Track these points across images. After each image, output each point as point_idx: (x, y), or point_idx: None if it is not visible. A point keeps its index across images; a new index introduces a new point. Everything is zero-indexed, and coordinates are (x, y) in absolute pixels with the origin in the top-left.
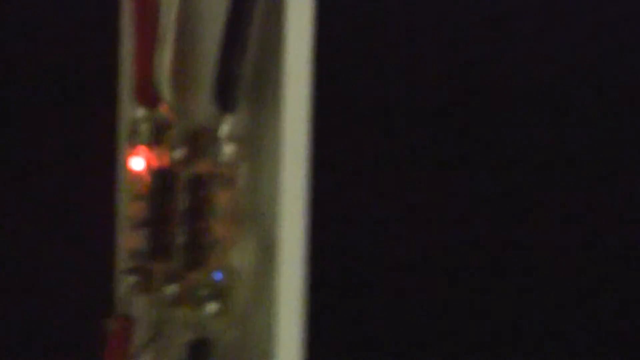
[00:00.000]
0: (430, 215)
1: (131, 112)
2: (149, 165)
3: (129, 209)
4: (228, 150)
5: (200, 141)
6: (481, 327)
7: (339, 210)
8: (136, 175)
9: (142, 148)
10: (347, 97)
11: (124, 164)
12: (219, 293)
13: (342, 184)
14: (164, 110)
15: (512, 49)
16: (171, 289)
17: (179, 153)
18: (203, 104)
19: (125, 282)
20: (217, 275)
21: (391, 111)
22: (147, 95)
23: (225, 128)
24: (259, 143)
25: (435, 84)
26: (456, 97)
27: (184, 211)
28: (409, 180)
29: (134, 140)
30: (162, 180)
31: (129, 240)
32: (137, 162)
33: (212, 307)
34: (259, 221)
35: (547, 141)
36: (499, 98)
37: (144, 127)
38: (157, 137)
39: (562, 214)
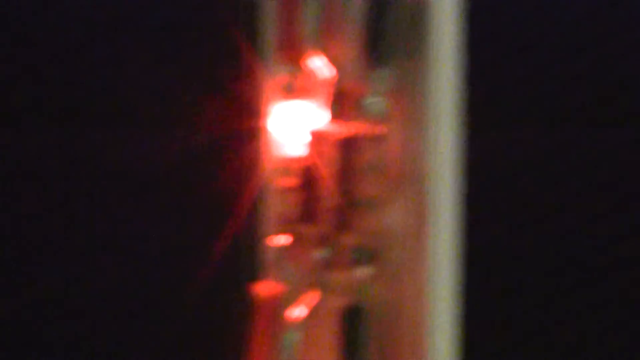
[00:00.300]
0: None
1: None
2: (299, 124)
3: (279, 171)
4: (380, 104)
5: (351, 97)
6: None
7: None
8: (285, 135)
9: (292, 104)
10: (500, 55)
11: (274, 123)
12: (371, 257)
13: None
14: (312, 67)
15: None
16: (322, 253)
17: (332, 109)
18: (355, 58)
19: (274, 247)
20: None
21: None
22: (292, 52)
23: (377, 82)
24: (410, 98)
25: None
26: None
27: (337, 173)
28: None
29: (283, 96)
30: (314, 139)
31: (279, 204)
32: (287, 120)
33: (364, 271)
34: (411, 180)
35: None
36: None
37: (293, 84)
38: (307, 94)
39: None
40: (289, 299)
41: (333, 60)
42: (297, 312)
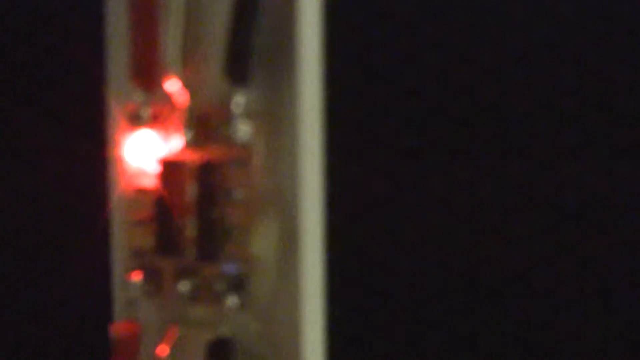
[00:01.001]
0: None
1: (126, 97)
2: (152, 153)
3: (130, 203)
4: (242, 128)
5: (210, 122)
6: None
7: (357, 195)
8: (137, 165)
9: (143, 133)
10: (361, 70)
11: (123, 153)
12: (238, 286)
13: (359, 163)
14: (167, 92)
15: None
16: (184, 286)
17: (188, 136)
18: (213, 80)
19: (131, 284)
20: (230, 268)
21: (407, 89)
22: (147, 78)
23: (238, 104)
24: (274, 120)
25: None
26: None
27: (195, 201)
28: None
29: (133, 126)
30: (167, 168)
31: (132, 237)
32: (138, 150)
33: (231, 301)
34: (278, 205)
35: None
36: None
37: (146, 112)
38: (160, 122)
39: None
40: (149, 338)
41: (190, 83)
42: (159, 350)
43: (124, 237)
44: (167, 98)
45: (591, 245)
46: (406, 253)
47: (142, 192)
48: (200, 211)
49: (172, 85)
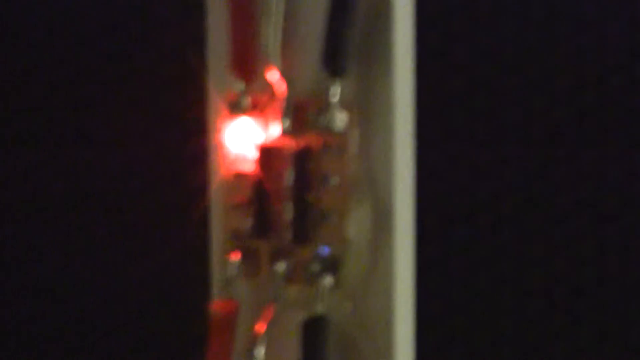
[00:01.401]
0: None
1: (227, 86)
2: (250, 140)
3: (230, 187)
4: (338, 117)
5: (307, 111)
6: None
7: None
8: (236, 151)
9: (243, 121)
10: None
11: (223, 139)
12: (332, 267)
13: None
14: (266, 81)
15: None
16: (280, 266)
17: (285, 124)
18: (311, 71)
19: (229, 264)
20: (325, 250)
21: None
22: (246, 68)
23: (334, 95)
24: (369, 110)
25: None
26: None
27: (291, 185)
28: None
29: (234, 113)
30: (266, 154)
31: (231, 220)
32: (238, 137)
33: (325, 282)
34: (371, 191)
35: None
36: None
37: (245, 100)
38: (259, 110)
39: None
40: (246, 316)
41: (288, 74)
42: (256, 328)
43: (223, 219)
44: (266, 87)
45: None
46: (489, 238)
47: (241, 176)
48: (296, 195)
49: (271, 76)
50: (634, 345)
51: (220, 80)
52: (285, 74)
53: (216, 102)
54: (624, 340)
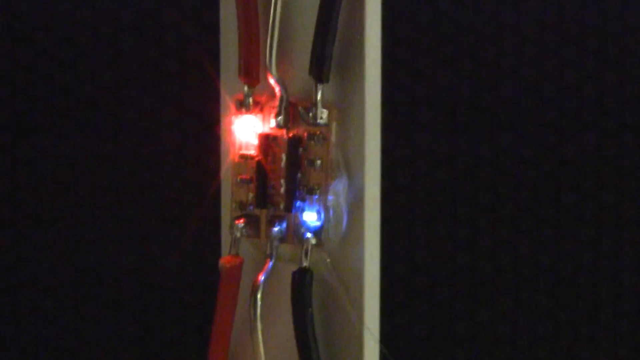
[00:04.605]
0: None
1: (236, 89)
2: (253, 130)
3: (237, 167)
4: (322, 113)
5: (297, 109)
6: None
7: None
8: (242, 139)
9: (247, 116)
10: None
11: (232, 130)
12: (316, 231)
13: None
14: (266, 85)
15: None
16: (276, 230)
17: (281, 118)
18: (301, 77)
19: (236, 227)
20: (311, 217)
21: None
22: (251, 75)
23: (320, 96)
24: (346, 108)
25: None
26: None
27: (285, 166)
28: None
29: (240, 110)
30: (265, 141)
31: (238, 192)
32: (244, 128)
33: (311, 242)
34: (347, 172)
35: None
36: None
37: (250, 100)
38: (260, 108)
39: None
40: (249, 269)
41: (283, 80)
42: (257, 278)
43: (231, 192)
44: (266, 90)
45: None
46: (447, 203)
47: (245, 159)
48: (289, 174)
49: (270, 81)
50: (634, 345)
51: (230, 84)
52: (280, 80)
53: (227, 101)
54: (622, 340)
